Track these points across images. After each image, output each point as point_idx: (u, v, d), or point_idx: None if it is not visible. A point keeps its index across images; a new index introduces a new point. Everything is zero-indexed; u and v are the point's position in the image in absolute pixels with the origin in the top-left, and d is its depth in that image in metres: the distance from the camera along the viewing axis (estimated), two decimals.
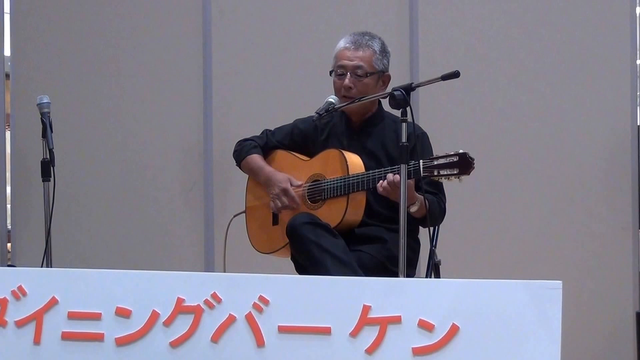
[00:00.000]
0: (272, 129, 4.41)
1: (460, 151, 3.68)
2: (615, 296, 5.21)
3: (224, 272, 4.49)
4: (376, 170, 3.92)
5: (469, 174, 3.66)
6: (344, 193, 4.01)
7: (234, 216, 4.47)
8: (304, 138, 4.31)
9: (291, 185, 4.16)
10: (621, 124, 5.23)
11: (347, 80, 4.10)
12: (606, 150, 5.25)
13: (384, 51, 4.17)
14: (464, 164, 3.65)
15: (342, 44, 4.17)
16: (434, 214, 3.99)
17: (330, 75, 4.19)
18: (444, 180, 3.76)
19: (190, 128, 5.41)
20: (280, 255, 4.24)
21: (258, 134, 4.43)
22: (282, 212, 4.18)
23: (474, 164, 3.66)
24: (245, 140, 4.40)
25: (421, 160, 3.75)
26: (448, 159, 3.68)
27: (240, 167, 4.40)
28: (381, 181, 3.86)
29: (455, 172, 3.67)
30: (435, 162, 3.71)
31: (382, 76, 4.17)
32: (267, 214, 4.29)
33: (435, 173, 3.71)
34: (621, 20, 5.25)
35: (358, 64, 4.11)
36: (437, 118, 5.12)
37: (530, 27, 5.31)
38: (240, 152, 4.37)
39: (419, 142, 4.03)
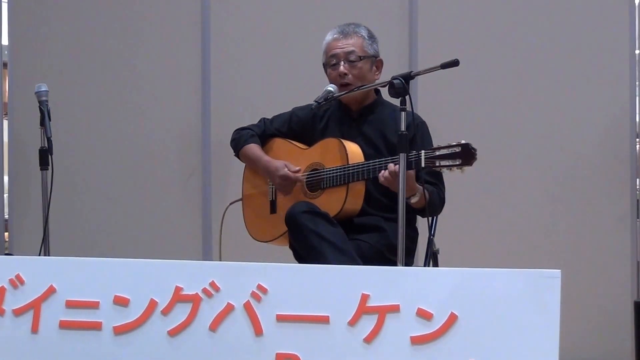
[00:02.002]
0: (270, 117, 4.41)
1: (463, 142, 3.65)
2: (613, 285, 5.22)
3: (220, 259, 4.50)
4: (376, 160, 3.91)
5: (471, 165, 3.64)
6: (344, 182, 4.01)
7: (230, 203, 4.47)
8: (302, 126, 4.31)
9: (288, 169, 4.16)
10: (620, 115, 5.23)
11: (341, 67, 4.11)
12: (604, 140, 5.25)
13: (372, 36, 4.20)
14: (466, 155, 3.63)
15: (329, 37, 4.20)
16: (434, 205, 3.99)
17: (325, 70, 4.19)
18: (445, 171, 3.75)
19: (189, 117, 5.41)
20: (277, 244, 4.24)
21: (256, 122, 4.42)
22: (281, 200, 4.18)
23: (476, 154, 3.63)
24: (243, 129, 4.39)
25: (423, 151, 3.73)
26: (450, 150, 3.66)
27: (237, 157, 4.39)
28: (383, 171, 3.85)
29: (457, 162, 3.64)
30: (437, 153, 3.69)
31: (375, 61, 4.19)
32: (264, 203, 4.29)
33: (437, 164, 3.69)
34: (620, 10, 5.24)
35: (350, 49, 4.13)
36: (436, 107, 5.11)
37: (530, 15, 5.30)
38: (238, 141, 4.36)
39: (419, 131, 4.02)
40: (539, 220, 5.26)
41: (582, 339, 5.10)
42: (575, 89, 5.27)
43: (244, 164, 4.42)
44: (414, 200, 3.88)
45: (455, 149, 3.65)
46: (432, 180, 4.04)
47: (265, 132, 4.36)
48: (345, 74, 4.11)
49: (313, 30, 5.16)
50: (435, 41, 5.26)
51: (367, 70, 4.15)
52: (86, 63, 5.44)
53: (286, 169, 4.16)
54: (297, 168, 4.17)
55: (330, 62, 4.16)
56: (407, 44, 5.26)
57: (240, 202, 4.43)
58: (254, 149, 4.31)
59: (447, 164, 3.67)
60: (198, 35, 5.40)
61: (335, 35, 4.17)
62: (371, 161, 3.94)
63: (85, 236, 5.39)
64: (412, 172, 3.76)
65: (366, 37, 4.17)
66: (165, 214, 5.41)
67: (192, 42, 5.41)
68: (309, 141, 4.25)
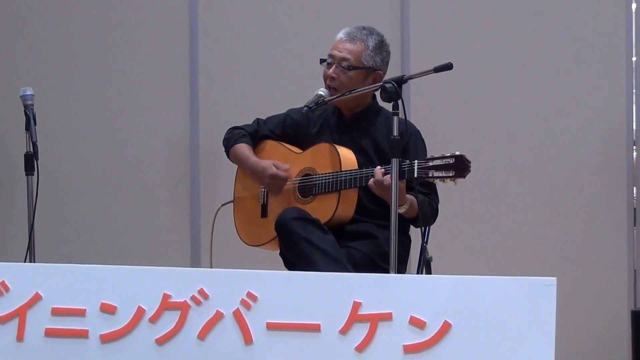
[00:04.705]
0: (264, 118, 4.37)
1: (457, 153, 3.63)
2: (610, 294, 5.21)
3: (210, 264, 4.47)
4: (371, 169, 3.87)
5: (464, 177, 3.62)
6: (336, 189, 3.97)
7: (222, 205, 4.42)
8: (295, 129, 4.26)
9: (277, 168, 4.11)
10: (616, 121, 5.23)
11: (331, 70, 4.08)
12: (601, 146, 5.24)
13: (379, 48, 4.11)
14: (460, 167, 3.61)
15: (339, 34, 4.15)
16: (425, 215, 3.95)
17: (320, 63, 4.15)
18: (438, 182, 3.71)
19: (177, 122, 5.41)
20: (267, 248, 4.20)
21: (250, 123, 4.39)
22: (272, 204, 4.15)
23: (470, 166, 3.61)
24: (236, 128, 4.35)
25: (416, 161, 3.71)
26: (444, 161, 3.64)
27: (227, 156, 4.35)
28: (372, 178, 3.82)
29: (450, 174, 3.62)
30: (431, 163, 3.67)
31: (373, 73, 4.10)
32: (255, 206, 4.25)
33: (430, 174, 3.66)
34: (617, 16, 5.24)
35: (345, 56, 4.07)
36: (429, 112, 5.10)
37: (525, 20, 5.29)
38: (229, 141, 4.31)
39: (412, 140, 3.99)
40: (534, 228, 5.25)
41: (578, 348, 5.07)
42: (572, 96, 5.26)
43: (233, 168, 4.38)
44: (401, 210, 3.83)
45: (449, 160, 3.63)
46: (425, 191, 4.00)
47: (258, 133, 4.31)
48: (333, 78, 4.07)
49: (303, 34, 5.18)
50: (427, 45, 5.24)
51: (357, 81, 4.07)
52: (72, 66, 5.44)
53: (274, 168, 4.11)
54: (287, 166, 4.11)
55: (327, 60, 4.12)
56: (399, 47, 5.24)
57: (231, 205, 4.39)
58: (243, 148, 4.26)
59: (440, 175, 3.65)
60: (186, 39, 5.39)
61: (341, 36, 4.12)
62: (364, 170, 3.90)
63: (71, 243, 5.37)
64: (401, 184, 3.72)
65: (371, 47, 4.08)
66: (153, 220, 5.40)
67: (179, 46, 5.40)
68: (303, 145, 4.21)
